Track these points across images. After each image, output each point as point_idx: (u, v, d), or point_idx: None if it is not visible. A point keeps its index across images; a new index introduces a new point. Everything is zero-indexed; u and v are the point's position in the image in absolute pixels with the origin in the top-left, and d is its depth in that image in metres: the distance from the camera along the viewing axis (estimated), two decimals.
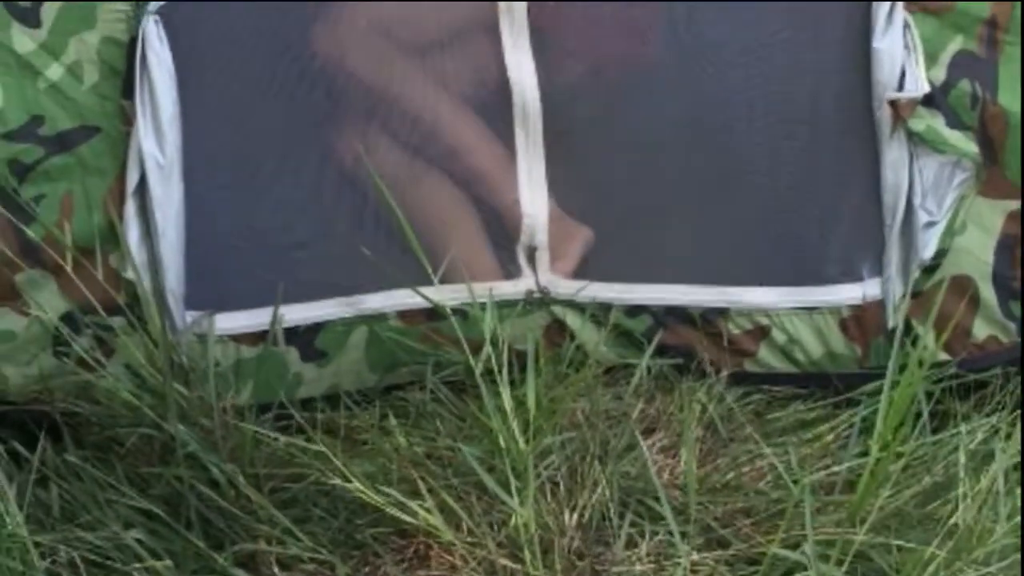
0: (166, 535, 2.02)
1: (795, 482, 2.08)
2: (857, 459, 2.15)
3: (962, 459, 2.06)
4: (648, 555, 2.01)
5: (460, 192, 2.36)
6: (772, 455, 2.15)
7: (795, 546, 1.95)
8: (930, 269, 2.34)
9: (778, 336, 2.38)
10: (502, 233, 2.35)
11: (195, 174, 2.23)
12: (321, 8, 2.28)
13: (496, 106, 2.30)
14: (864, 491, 1.93)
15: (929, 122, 2.26)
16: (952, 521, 2.00)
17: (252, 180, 2.29)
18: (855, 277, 2.35)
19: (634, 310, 2.36)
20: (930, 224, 2.32)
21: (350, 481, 1.99)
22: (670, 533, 2.02)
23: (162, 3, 2.14)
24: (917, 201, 2.31)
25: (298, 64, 2.27)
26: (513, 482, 1.98)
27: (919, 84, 2.24)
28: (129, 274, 2.20)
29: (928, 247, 2.33)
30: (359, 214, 2.30)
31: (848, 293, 2.36)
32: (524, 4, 2.24)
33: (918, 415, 2.17)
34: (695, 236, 2.38)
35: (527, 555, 1.95)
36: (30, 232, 2.21)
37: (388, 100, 2.32)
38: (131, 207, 2.19)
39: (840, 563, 1.89)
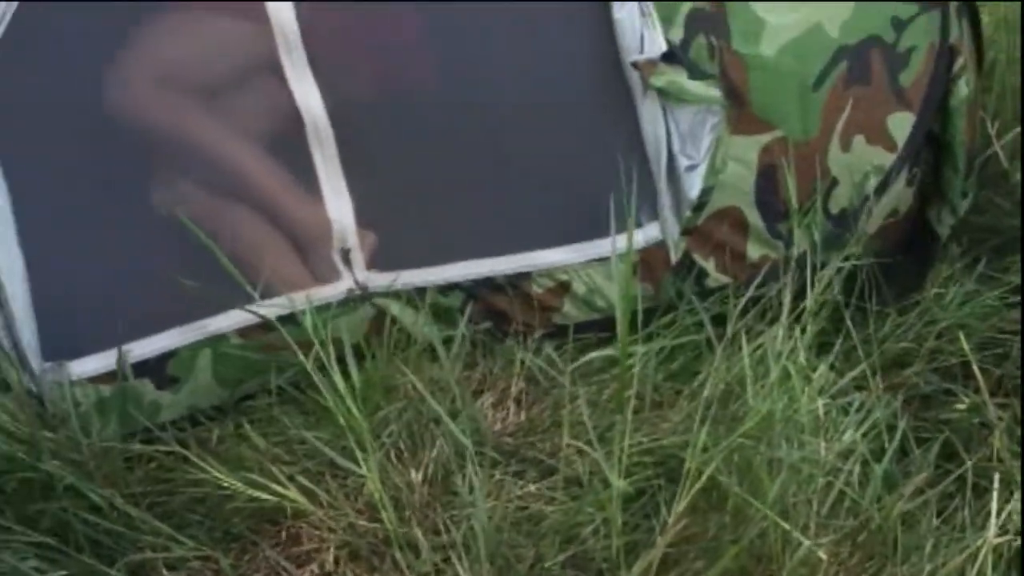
0: (61, 560, 2.23)
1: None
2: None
3: (746, 360, 2.34)
4: (490, 495, 2.27)
5: (264, 220, 2.56)
6: (583, 392, 2.42)
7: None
8: (699, 207, 2.60)
9: (578, 288, 2.63)
10: (313, 243, 2.56)
11: (27, 230, 2.41)
12: (106, 67, 2.46)
13: (290, 131, 2.51)
14: (620, 376, 2.14)
15: (671, 77, 2.52)
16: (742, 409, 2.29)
17: (82, 231, 2.45)
18: (636, 225, 2.63)
19: (447, 288, 2.59)
20: (692, 167, 2.58)
21: (217, 478, 2.21)
22: (507, 473, 2.29)
23: None
24: (677, 148, 2.58)
25: (98, 124, 2.45)
26: (359, 454, 2.22)
27: (656, 45, 2.53)
28: None
29: (694, 188, 2.59)
30: (183, 250, 2.46)
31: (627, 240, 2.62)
32: (298, 36, 2.48)
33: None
34: (490, 213, 2.60)
35: (383, 514, 2.20)
36: None
37: (187, 147, 2.52)
38: None
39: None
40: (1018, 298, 2.74)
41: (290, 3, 2.47)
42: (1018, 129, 2.94)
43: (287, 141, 2.54)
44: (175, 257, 2.49)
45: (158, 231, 2.50)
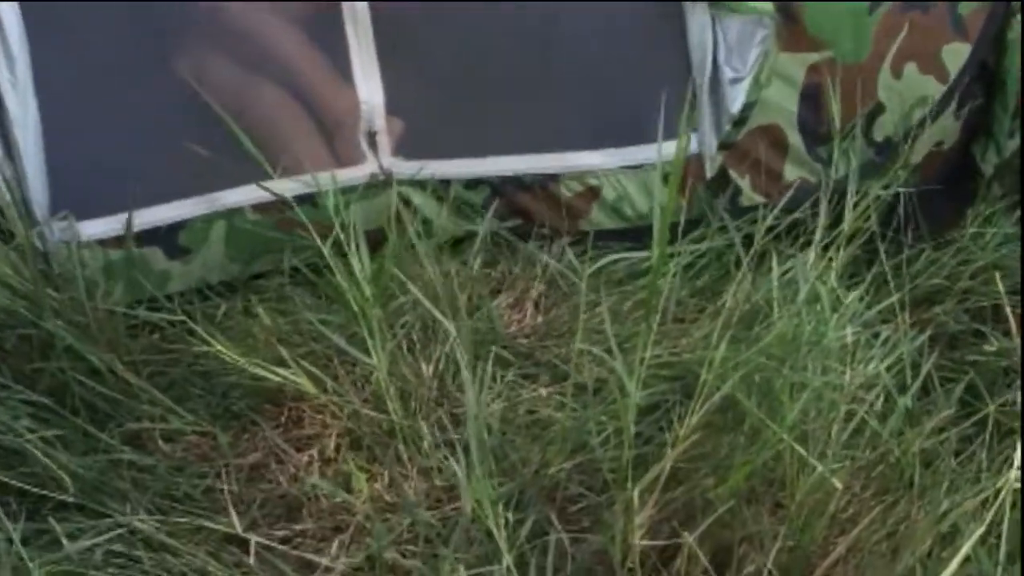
0: (54, 421, 2.18)
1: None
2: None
3: (774, 280, 2.27)
4: (500, 395, 2.21)
5: (293, 99, 2.49)
6: (605, 301, 2.35)
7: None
8: (740, 122, 2.53)
9: (608, 194, 2.56)
10: (339, 125, 2.49)
11: (48, 93, 2.35)
12: None
13: (327, 9, 2.44)
14: (650, 283, 2.08)
15: None
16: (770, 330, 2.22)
17: (102, 94, 2.39)
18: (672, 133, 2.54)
19: (473, 183, 2.53)
20: (736, 80, 2.51)
21: (221, 352, 2.15)
22: (519, 375, 2.23)
23: None
24: (722, 59, 2.50)
25: None
26: (370, 342, 2.16)
27: None
28: None
29: (736, 101, 2.52)
30: (206, 121, 2.38)
31: (667, 149, 2.55)
32: None
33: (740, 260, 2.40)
34: (524, 109, 2.53)
35: (389, 404, 2.14)
36: None
37: (218, 17, 2.45)
38: None
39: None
40: None
41: None
42: None
43: (323, 20, 2.46)
44: (196, 127, 2.41)
45: (181, 99, 2.43)
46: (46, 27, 2.33)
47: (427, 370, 2.22)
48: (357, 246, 2.23)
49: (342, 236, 2.23)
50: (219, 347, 2.17)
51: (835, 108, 2.49)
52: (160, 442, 2.19)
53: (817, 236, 2.38)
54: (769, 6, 2.46)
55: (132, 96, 2.41)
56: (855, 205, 2.43)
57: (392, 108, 2.50)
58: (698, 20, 2.47)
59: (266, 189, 2.38)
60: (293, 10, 2.47)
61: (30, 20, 2.31)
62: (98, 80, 2.39)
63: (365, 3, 2.42)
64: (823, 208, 2.43)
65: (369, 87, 2.48)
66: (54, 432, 2.14)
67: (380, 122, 2.49)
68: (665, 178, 2.51)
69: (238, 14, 2.46)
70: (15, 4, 2.28)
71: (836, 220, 2.44)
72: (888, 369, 2.27)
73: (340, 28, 2.45)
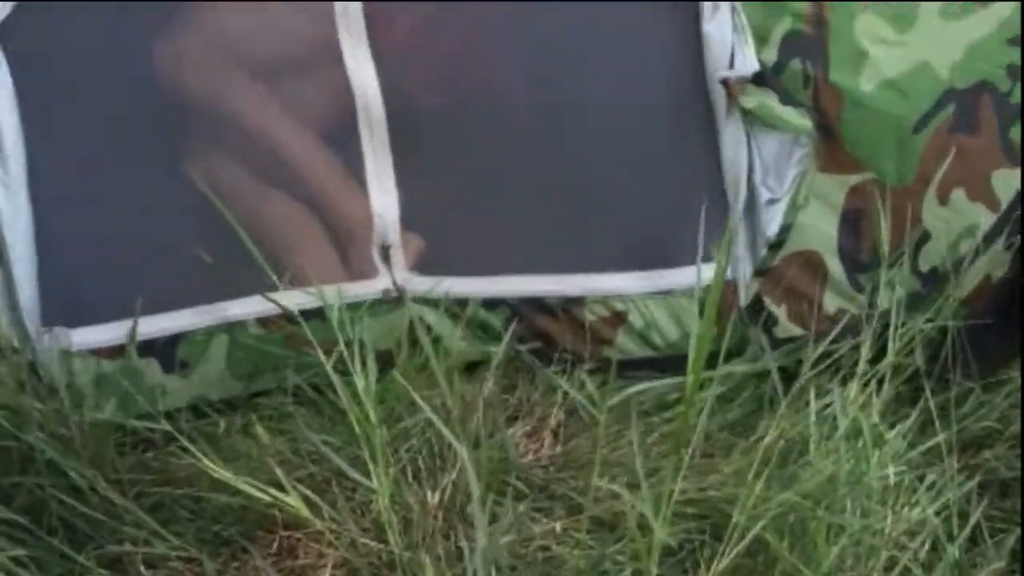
0: (29, 541, 2.02)
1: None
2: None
3: (812, 415, 2.11)
4: (511, 529, 2.04)
5: (303, 206, 2.39)
6: (628, 432, 2.20)
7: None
8: (776, 245, 2.40)
9: (635, 321, 2.43)
10: (352, 237, 2.38)
11: (43, 191, 2.25)
12: (162, 25, 2.30)
13: (343, 117, 2.34)
14: (681, 416, 1.94)
15: (761, 99, 2.33)
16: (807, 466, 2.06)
17: (101, 195, 2.29)
18: (705, 257, 2.42)
19: (491, 303, 2.40)
20: (772, 201, 2.38)
21: (211, 469, 2.00)
22: (533, 508, 2.06)
23: None
24: (758, 179, 2.37)
25: (140, 82, 2.30)
26: (372, 466, 2.00)
27: (748, 63, 2.32)
28: None
29: (772, 223, 2.39)
30: (210, 227, 2.28)
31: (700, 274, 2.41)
32: (360, 8, 2.30)
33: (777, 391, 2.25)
34: (546, 226, 2.41)
35: (390, 535, 1.98)
36: None
37: (229, 120, 2.36)
38: None
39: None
40: None
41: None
42: None
43: (338, 128, 2.36)
44: (199, 233, 2.30)
45: (185, 203, 2.32)
46: (43, 121, 2.23)
47: (433, 498, 2.06)
48: (364, 363, 2.09)
49: (346, 354, 2.10)
50: (210, 464, 2.02)
51: (883, 234, 2.36)
52: (142, 567, 2.03)
53: (859, 370, 2.24)
54: (807, 123, 2.34)
55: (132, 197, 2.31)
56: (899, 339, 2.28)
57: (408, 222, 2.39)
58: (732, 136, 2.35)
59: (272, 301, 2.25)
60: (307, 113, 2.37)
61: (26, 112, 2.21)
62: (96, 179, 2.29)
63: (381, 108, 2.32)
64: (865, 342, 2.28)
65: (384, 199, 2.37)
66: (27, 553, 1.99)
67: (395, 236, 2.37)
68: (700, 306, 2.38)
69: (249, 116, 2.36)
70: (10, 95, 2.18)
71: (879, 354, 2.30)
72: (935, 515, 2.11)
73: (355, 134, 2.35)
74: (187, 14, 2.33)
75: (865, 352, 2.26)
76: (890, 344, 2.27)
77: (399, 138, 2.35)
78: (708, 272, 2.37)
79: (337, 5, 2.29)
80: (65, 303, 2.27)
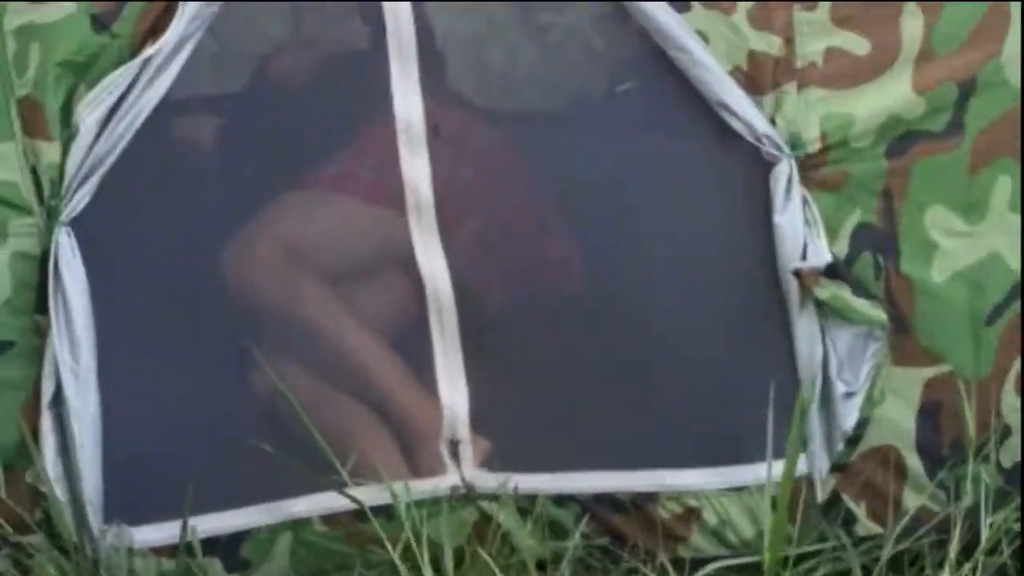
0: None
1: None
2: None
3: None
4: None
5: (371, 410, 2.37)
6: None
7: None
8: (853, 440, 2.35)
9: (709, 518, 2.36)
10: (420, 435, 2.35)
11: (110, 382, 2.23)
12: (234, 225, 2.33)
13: (412, 312, 2.33)
14: None
15: (835, 291, 2.30)
16: None
17: (167, 389, 2.28)
18: (780, 453, 2.36)
19: (561, 500, 2.35)
20: (848, 394, 2.34)
21: None
22: None
23: (74, 215, 2.17)
24: (833, 372, 2.34)
25: (210, 279, 2.31)
26: None
27: (821, 255, 2.30)
28: (45, 488, 2.17)
29: (849, 418, 2.34)
30: (273, 424, 2.29)
31: (775, 470, 2.35)
32: (432, 203, 2.30)
33: None
34: (617, 421, 2.37)
35: None
36: None
37: (297, 322, 2.36)
38: (47, 420, 2.18)
39: None
40: None
41: (427, 178, 2.30)
42: None
43: (408, 326, 2.36)
44: (264, 430, 2.29)
45: (250, 402, 2.33)
46: (114, 312, 2.23)
47: None
48: (436, 563, 2.03)
49: (417, 553, 2.03)
50: None
51: (968, 430, 2.30)
52: None
53: (946, 573, 2.15)
54: (881, 315, 2.31)
55: (198, 393, 2.30)
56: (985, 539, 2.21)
57: (477, 417, 2.35)
58: (806, 329, 2.32)
59: (346, 495, 2.22)
60: (376, 313, 2.37)
61: (97, 302, 2.21)
62: (163, 373, 2.27)
63: (452, 303, 2.31)
64: (953, 543, 2.20)
65: (454, 394, 2.34)
66: None
67: (464, 431, 2.33)
68: (773, 503, 2.31)
69: (317, 319, 2.37)
70: (83, 284, 2.17)
71: (964, 553, 2.21)
72: None
73: (426, 331, 2.33)
74: (259, 216, 2.35)
75: (953, 551, 2.19)
76: (978, 543, 2.19)
77: (469, 333, 2.33)
78: (779, 468, 2.32)
79: (409, 200, 2.30)
80: (128, 497, 2.24)
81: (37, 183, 2.17)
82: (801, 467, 2.35)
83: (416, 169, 2.29)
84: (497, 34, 2.43)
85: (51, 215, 2.16)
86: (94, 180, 2.17)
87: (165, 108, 2.27)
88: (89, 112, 2.16)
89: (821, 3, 2.29)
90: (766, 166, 2.29)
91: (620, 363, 2.37)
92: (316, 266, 2.38)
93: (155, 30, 2.18)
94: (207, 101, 2.44)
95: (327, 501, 2.26)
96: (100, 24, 2.16)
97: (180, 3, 2.18)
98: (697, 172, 2.37)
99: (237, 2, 2.31)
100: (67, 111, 2.16)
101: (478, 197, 2.38)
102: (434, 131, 2.29)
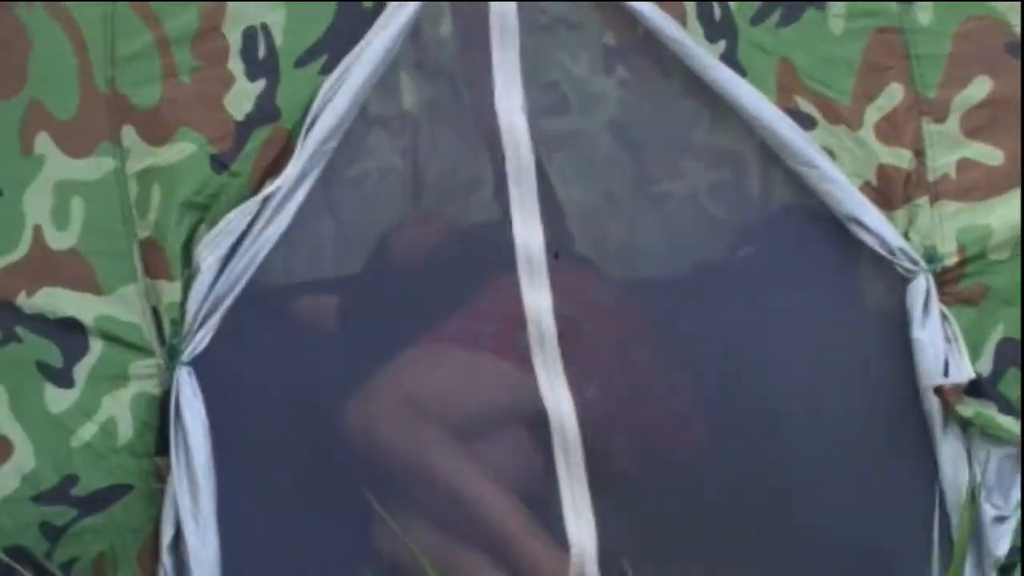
0: None
1: None
2: None
3: None
4: None
5: (497, 564, 2.31)
6: None
7: None
8: (1007, 568, 2.25)
9: None
10: None
11: (231, 530, 2.18)
12: (354, 377, 2.31)
13: (537, 457, 2.29)
14: None
15: (979, 409, 2.21)
16: None
17: (288, 538, 2.25)
18: None
19: None
20: (1000, 519, 2.25)
21: None
22: None
23: (195, 354, 2.16)
24: (982, 495, 2.24)
25: (331, 432, 2.28)
26: None
27: (963, 371, 2.22)
28: None
29: (1001, 543, 2.25)
30: None
31: None
32: (555, 336, 2.26)
33: None
34: (753, 562, 2.29)
35: None
36: None
37: (421, 477, 2.30)
38: (167, 563, 2.14)
39: None
40: None
41: (549, 309, 2.25)
42: None
43: (534, 477, 2.30)
44: None
45: (371, 557, 2.27)
46: (234, 458, 2.19)
47: None
48: None
49: None
50: None
51: None
52: None
53: None
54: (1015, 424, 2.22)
55: (319, 541, 2.25)
56: None
57: (605, 555, 2.26)
58: (951, 450, 2.24)
59: None
60: (502, 464, 2.32)
61: (218, 447, 2.17)
62: (284, 519, 2.25)
63: (579, 441, 2.25)
64: None
65: (581, 532, 2.26)
66: None
67: (592, 568, 2.25)
68: None
69: (441, 473, 2.31)
70: (204, 427, 2.14)
71: None
72: None
73: (551, 466, 2.27)
74: (382, 369, 2.32)
75: None
76: None
77: (596, 469, 2.27)
78: None
79: (532, 332, 2.25)
80: None
81: (158, 324, 2.16)
82: None
83: (538, 299, 2.25)
84: (615, 206, 2.42)
85: (172, 355, 2.15)
86: (215, 319, 2.15)
87: (286, 292, 2.33)
88: (210, 251, 2.15)
89: (951, 114, 2.25)
90: (902, 282, 2.24)
91: (754, 494, 2.29)
92: (439, 418, 2.33)
93: (274, 168, 2.18)
94: (327, 284, 2.45)
95: None
96: (220, 164, 2.17)
97: (299, 140, 2.18)
98: (828, 304, 2.32)
99: (356, 181, 2.37)
100: (188, 251, 2.16)
101: (603, 350, 2.33)
102: (555, 257, 2.26)
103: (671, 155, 2.38)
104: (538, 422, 2.26)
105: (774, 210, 2.35)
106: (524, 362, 2.26)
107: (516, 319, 2.26)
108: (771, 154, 2.28)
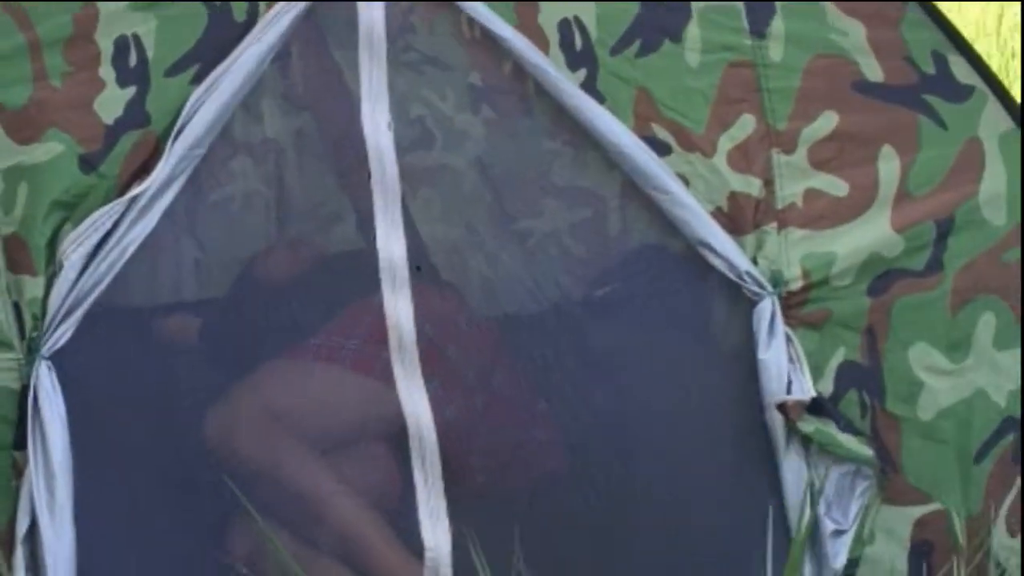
0: None
1: None
2: None
3: None
4: None
5: (352, 573, 2.33)
6: None
7: None
8: None
9: None
10: None
11: (87, 524, 2.17)
12: (216, 389, 2.33)
13: (396, 471, 2.31)
14: None
15: (819, 426, 2.29)
16: None
17: (144, 533, 2.25)
18: None
19: None
20: (838, 532, 2.31)
21: None
22: None
23: (55, 349, 2.16)
24: (821, 509, 2.31)
25: (190, 434, 2.30)
26: None
27: (806, 390, 2.29)
28: None
29: (839, 556, 2.32)
30: None
31: None
32: (414, 343, 2.29)
33: None
34: (604, 566, 2.33)
35: None
36: None
37: (277, 485, 2.32)
38: (20, 555, 2.13)
39: None
40: None
41: (409, 317, 2.28)
42: None
43: (392, 490, 2.33)
44: None
45: (226, 563, 2.28)
46: (93, 450, 2.19)
47: None
48: None
49: None
50: None
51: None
52: None
53: None
54: (868, 451, 2.30)
55: (175, 538, 2.26)
56: None
57: (459, 561, 2.29)
58: (792, 465, 2.31)
59: None
60: (358, 476, 2.35)
61: (76, 444, 2.17)
62: (141, 515, 2.25)
63: (436, 447, 2.28)
64: None
65: (435, 531, 2.28)
66: None
67: (446, 571, 2.27)
68: None
69: (296, 477, 2.33)
70: (62, 422, 2.14)
71: None
72: None
73: (408, 472, 2.30)
74: (243, 381, 2.35)
75: None
76: None
77: (452, 475, 2.29)
78: None
79: (392, 339, 2.27)
80: None
81: (19, 318, 2.16)
82: None
83: (399, 308, 2.28)
84: (478, 242, 2.45)
85: (32, 349, 2.15)
86: (77, 315, 2.16)
87: (147, 314, 2.34)
88: (74, 248, 2.16)
89: (799, 146, 2.34)
90: (750, 305, 2.31)
91: (606, 507, 2.34)
92: (298, 430, 2.35)
93: (142, 171, 2.20)
94: (192, 306, 2.47)
95: None
96: (88, 165, 2.18)
97: (168, 145, 2.21)
98: (681, 336, 2.39)
99: (220, 205, 2.40)
100: (53, 248, 2.16)
101: (464, 374, 2.37)
102: (417, 270, 2.30)
103: (533, 194, 2.42)
104: (399, 432, 2.28)
105: (632, 248, 2.41)
106: (386, 377, 2.29)
107: (380, 335, 2.28)
108: (630, 193, 2.34)
